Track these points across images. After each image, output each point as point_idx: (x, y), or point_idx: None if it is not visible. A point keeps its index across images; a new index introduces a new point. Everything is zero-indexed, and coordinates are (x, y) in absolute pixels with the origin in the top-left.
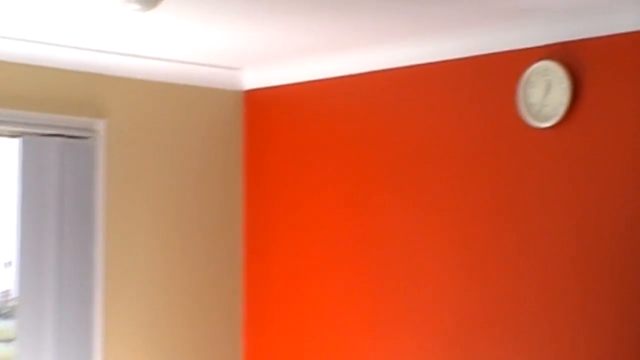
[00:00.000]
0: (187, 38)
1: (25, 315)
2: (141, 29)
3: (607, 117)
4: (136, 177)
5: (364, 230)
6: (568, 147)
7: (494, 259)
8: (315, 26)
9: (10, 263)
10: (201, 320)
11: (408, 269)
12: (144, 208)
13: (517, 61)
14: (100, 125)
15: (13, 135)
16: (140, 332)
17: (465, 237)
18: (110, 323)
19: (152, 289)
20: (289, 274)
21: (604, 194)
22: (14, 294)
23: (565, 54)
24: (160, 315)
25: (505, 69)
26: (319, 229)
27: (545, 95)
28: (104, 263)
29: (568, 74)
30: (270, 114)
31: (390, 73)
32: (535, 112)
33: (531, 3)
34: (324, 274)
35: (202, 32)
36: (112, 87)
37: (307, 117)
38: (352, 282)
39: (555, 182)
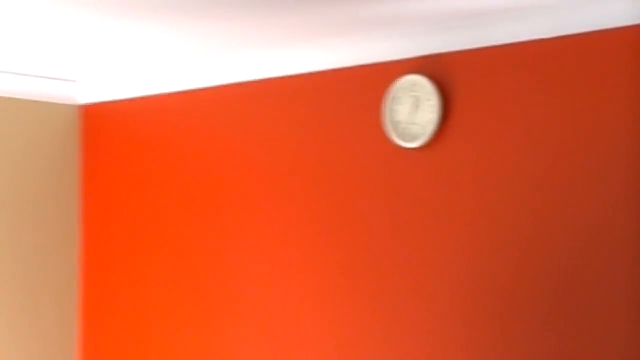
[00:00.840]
0: (13, 45)
1: None
2: None
3: (479, 136)
4: None
5: (213, 252)
6: (437, 169)
7: (356, 284)
8: (161, 35)
9: None
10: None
11: (262, 294)
12: None
13: (381, 75)
14: None
15: None
16: None
17: (324, 264)
18: None
19: None
20: (127, 306)
21: (476, 217)
22: None
23: (434, 67)
24: None
25: (369, 83)
26: (161, 249)
27: (412, 113)
28: None
29: (437, 89)
30: (110, 130)
31: (244, 86)
32: (401, 130)
33: (397, 12)
34: (166, 298)
35: (31, 39)
36: None
37: (151, 134)
38: (197, 305)
39: (423, 207)
